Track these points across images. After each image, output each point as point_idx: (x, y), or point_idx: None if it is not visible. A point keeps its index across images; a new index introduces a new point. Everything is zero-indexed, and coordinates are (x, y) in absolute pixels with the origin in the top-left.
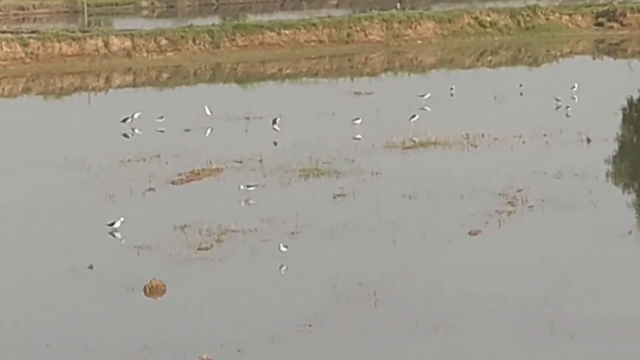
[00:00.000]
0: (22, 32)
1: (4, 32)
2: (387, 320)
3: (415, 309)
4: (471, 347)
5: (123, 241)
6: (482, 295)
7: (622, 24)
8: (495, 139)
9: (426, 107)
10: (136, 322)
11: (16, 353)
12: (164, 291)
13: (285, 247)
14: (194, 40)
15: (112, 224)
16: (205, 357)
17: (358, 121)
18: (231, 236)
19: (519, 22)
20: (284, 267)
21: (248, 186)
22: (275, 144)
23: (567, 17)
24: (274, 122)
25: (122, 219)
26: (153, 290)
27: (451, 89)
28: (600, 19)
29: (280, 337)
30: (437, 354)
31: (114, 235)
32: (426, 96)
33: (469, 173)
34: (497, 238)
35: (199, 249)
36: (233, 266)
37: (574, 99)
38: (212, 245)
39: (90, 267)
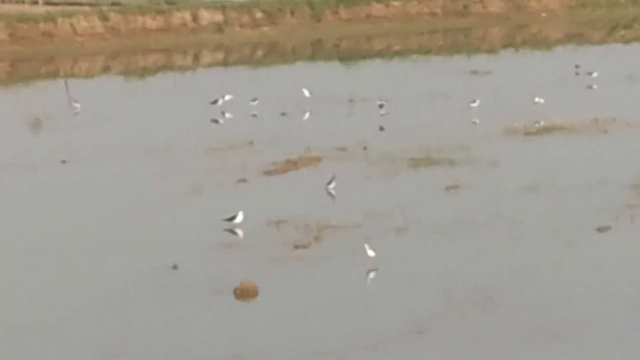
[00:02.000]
0: (101, 5)
1: (81, 4)
2: (505, 327)
3: (537, 315)
4: (600, 359)
5: (243, 239)
6: (612, 299)
7: None
8: (629, 124)
9: (594, 86)
10: (225, 328)
11: None
12: (256, 294)
13: (373, 250)
14: (292, 13)
15: (232, 218)
16: None
17: (475, 104)
18: (331, 233)
19: None
20: (371, 274)
21: (329, 182)
22: (381, 129)
23: None
24: (381, 106)
25: (241, 213)
26: (244, 293)
27: (576, 67)
28: None
29: (384, 345)
30: None
31: (233, 233)
32: (594, 75)
33: (598, 162)
34: (630, 235)
35: (295, 247)
36: (333, 266)
37: None
38: (309, 243)
39: (175, 267)
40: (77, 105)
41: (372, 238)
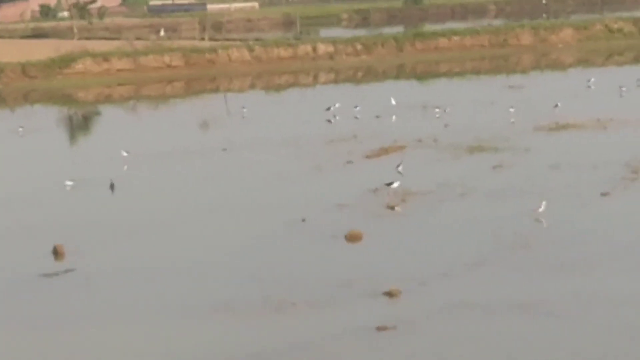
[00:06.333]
0: (248, 40)
1: (234, 40)
2: (539, 261)
3: (561, 253)
4: (613, 285)
5: (352, 201)
6: (620, 241)
7: None
8: (622, 122)
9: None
10: (339, 262)
11: (243, 283)
12: (361, 238)
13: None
14: (382, 45)
15: (391, 184)
16: (394, 288)
17: (512, 109)
18: (413, 197)
19: None
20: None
21: (398, 165)
22: (446, 126)
23: None
24: (445, 111)
25: (398, 183)
26: (352, 238)
27: (588, 80)
28: None
29: (454, 273)
30: (575, 289)
31: (391, 185)
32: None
33: (601, 149)
34: (624, 198)
35: (387, 207)
36: (415, 220)
37: None
38: (398, 204)
39: (303, 220)
40: (245, 110)
41: (443, 201)
